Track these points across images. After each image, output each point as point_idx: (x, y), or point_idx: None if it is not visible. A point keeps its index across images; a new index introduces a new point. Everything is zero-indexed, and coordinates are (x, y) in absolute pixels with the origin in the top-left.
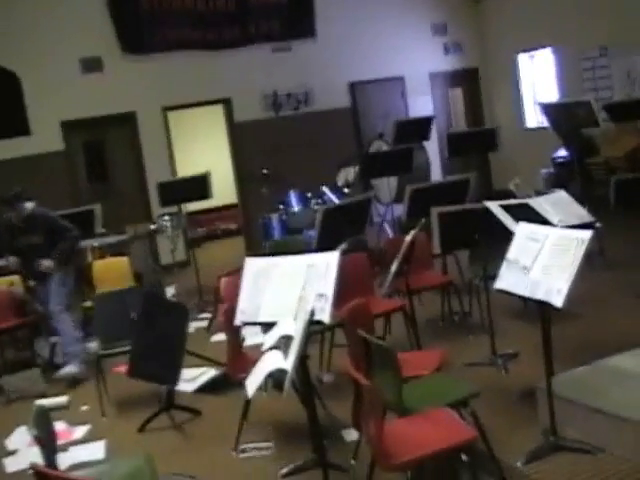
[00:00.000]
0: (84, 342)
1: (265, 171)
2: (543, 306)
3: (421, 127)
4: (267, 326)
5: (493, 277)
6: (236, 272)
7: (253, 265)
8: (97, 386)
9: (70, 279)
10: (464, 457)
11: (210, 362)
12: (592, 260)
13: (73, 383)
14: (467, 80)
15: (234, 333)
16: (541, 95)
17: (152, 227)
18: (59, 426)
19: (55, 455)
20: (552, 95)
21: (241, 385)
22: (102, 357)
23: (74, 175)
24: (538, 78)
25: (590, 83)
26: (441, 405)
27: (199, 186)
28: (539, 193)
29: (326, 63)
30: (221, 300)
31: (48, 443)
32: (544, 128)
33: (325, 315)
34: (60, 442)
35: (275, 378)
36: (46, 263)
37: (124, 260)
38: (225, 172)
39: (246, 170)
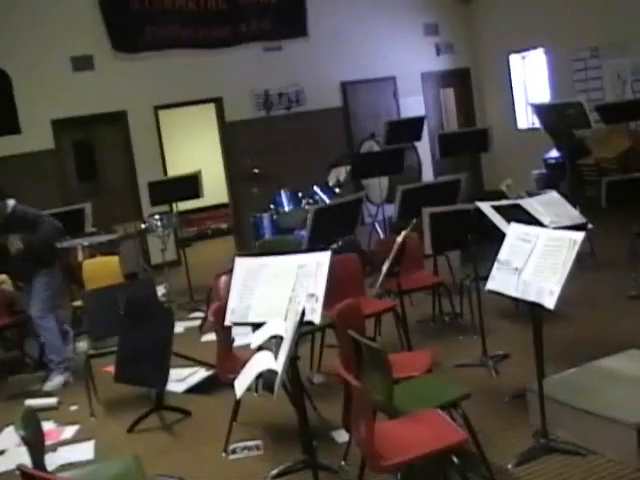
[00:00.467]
0: (71, 343)
1: (256, 171)
2: (535, 308)
3: (413, 127)
4: (257, 327)
5: (484, 278)
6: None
7: (243, 265)
8: (86, 386)
9: (55, 281)
10: (455, 459)
11: (198, 364)
12: (583, 261)
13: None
14: (459, 80)
15: (224, 333)
16: (533, 96)
17: (142, 226)
18: (48, 426)
19: (43, 456)
20: (543, 96)
21: (231, 386)
22: (92, 357)
23: (64, 174)
24: (530, 79)
25: (581, 84)
26: (432, 407)
27: (190, 185)
28: (530, 194)
29: (318, 63)
30: (219, 299)
31: (36, 444)
32: (535, 129)
33: (315, 316)
34: (49, 442)
35: (265, 379)
36: (16, 243)
37: (114, 259)
38: (216, 171)
39: (237, 169)
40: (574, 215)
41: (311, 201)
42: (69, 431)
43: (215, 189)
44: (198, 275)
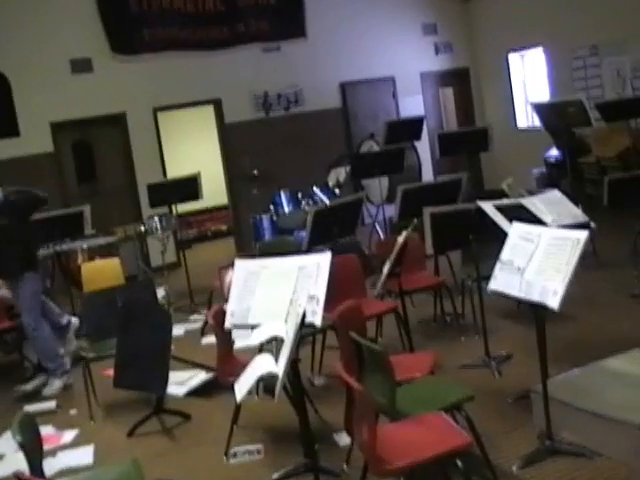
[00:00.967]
0: (71, 332)
1: (255, 172)
2: (538, 308)
3: (412, 127)
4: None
5: (485, 278)
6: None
7: (243, 267)
8: (85, 390)
9: (39, 287)
10: (459, 463)
11: (198, 366)
12: (584, 260)
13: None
14: (458, 80)
15: (224, 336)
16: (532, 95)
17: (142, 228)
18: (47, 431)
19: (41, 462)
20: (543, 94)
21: (232, 389)
22: (91, 360)
23: (63, 176)
24: (529, 77)
25: (581, 82)
26: (435, 409)
27: (189, 187)
28: (531, 193)
29: (316, 63)
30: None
31: (33, 450)
32: (535, 128)
33: (316, 318)
34: (48, 447)
35: (266, 383)
36: None
37: (115, 261)
38: (215, 173)
39: (236, 171)
40: (577, 213)
41: (311, 202)
42: (68, 435)
43: (214, 191)
44: (198, 277)
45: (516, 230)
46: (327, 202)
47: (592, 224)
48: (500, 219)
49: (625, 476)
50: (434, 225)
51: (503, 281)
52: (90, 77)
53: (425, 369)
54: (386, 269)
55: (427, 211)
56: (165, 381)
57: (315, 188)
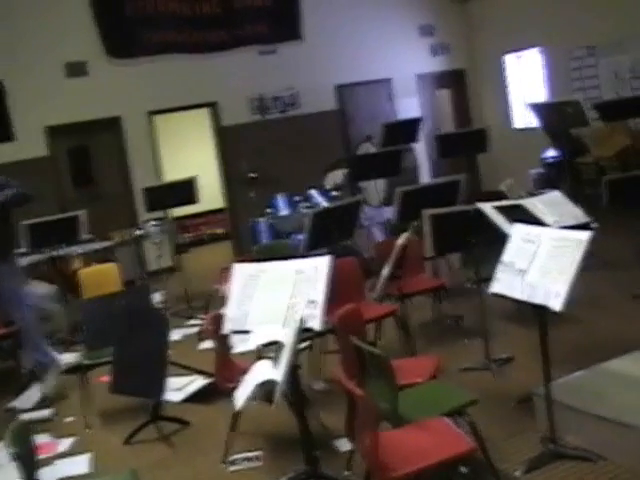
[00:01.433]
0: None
1: (252, 175)
2: (540, 310)
3: (409, 129)
4: None
5: (486, 280)
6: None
7: (241, 271)
8: (82, 397)
9: (20, 281)
10: (463, 469)
11: (196, 372)
12: (586, 261)
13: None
14: (454, 81)
15: (222, 341)
16: (529, 95)
17: (138, 233)
18: (43, 439)
19: (36, 472)
20: (540, 95)
21: (230, 394)
22: (87, 367)
23: (59, 181)
24: (526, 78)
25: (578, 83)
26: (437, 414)
27: (185, 191)
28: (531, 194)
29: (313, 66)
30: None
31: (27, 460)
32: (533, 128)
33: (315, 322)
34: (44, 455)
35: (265, 389)
36: None
37: (113, 266)
38: (212, 176)
39: (233, 174)
40: (578, 214)
41: (308, 205)
42: (65, 444)
43: (211, 194)
44: (195, 282)
45: (517, 232)
46: (325, 205)
47: (594, 224)
48: (500, 221)
49: None
50: (434, 227)
51: (505, 283)
52: (85, 81)
53: (427, 373)
54: (385, 272)
55: (426, 213)
56: (163, 387)
57: (312, 191)
